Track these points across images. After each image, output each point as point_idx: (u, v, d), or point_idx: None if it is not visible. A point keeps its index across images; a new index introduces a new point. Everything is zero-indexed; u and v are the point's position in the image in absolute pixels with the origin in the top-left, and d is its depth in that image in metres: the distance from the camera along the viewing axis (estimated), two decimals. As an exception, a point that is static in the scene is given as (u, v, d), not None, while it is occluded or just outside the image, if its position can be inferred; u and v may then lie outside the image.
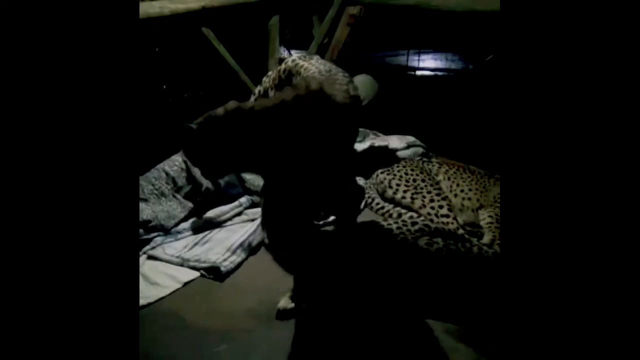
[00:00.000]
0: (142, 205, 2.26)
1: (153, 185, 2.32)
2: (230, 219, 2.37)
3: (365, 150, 2.91)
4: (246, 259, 2.11)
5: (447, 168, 2.68)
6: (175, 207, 2.30)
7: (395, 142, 3.03)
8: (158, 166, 2.43)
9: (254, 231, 2.17)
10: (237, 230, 2.22)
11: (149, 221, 2.20)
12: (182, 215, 2.30)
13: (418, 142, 3.09)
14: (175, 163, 2.41)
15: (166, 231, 2.22)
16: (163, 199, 2.31)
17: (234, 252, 2.07)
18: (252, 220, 2.30)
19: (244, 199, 2.45)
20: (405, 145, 3.03)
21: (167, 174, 2.36)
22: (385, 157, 2.85)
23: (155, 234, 2.19)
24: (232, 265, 2.02)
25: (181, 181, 2.35)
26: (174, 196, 2.32)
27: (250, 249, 2.14)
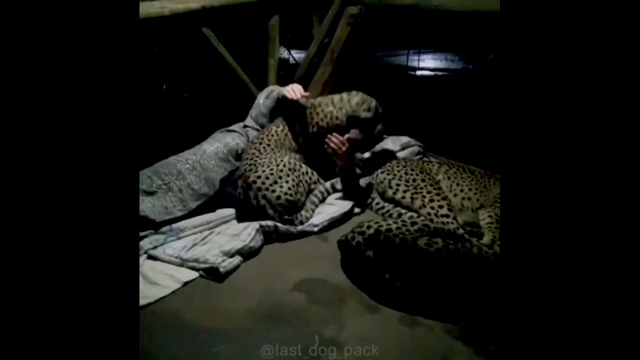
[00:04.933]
0: (146, 198, 2.29)
1: (162, 180, 2.34)
2: (229, 221, 2.37)
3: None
4: (245, 260, 2.10)
5: (447, 168, 2.67)
6: (176, 204, 2.30)
7: (389, 144, 3.02)
8: (169, 160, 2.44)
9: (254, 237, 2.16)
10: (237, 234, 2.21)
11: (151, 220, 2.23)
12: (180, 214, 2.30)
13: (413, 142, 3.07)
14: (188, 161, 2.42)
15: (157, 226, 2.23)
16: (170, 194, 2.32)
17: (232, 256, 2.07)
18: (251, 224, 2.28)
19: None
20: (400, 147, 3.02)
21: (178, 171, 2.37)
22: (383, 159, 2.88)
23: (148, 231, 2.20)
24: (231, 267, 2.02)
25: (191, 179, 2.36)
26: (180, 191, 2.33)
27: (250, 252, 2.13)
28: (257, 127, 2.79)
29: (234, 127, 2.76)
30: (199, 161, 2.43)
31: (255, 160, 2.41)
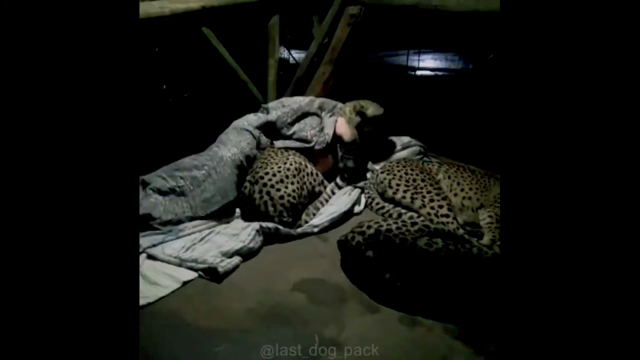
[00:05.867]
0: (159, 197, 2.29)
1: (177, 182, 2.33)
2: (229, 222, 2.37)
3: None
4: (245, 260, 2.10)
5: (447, 168, 2.67)
6: (186, 210, 2.29)
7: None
8: (186, 164, 2.40)
9: (253, 237, 2.16)
10: (237, 234, 2.21)
11: (155, 218, 2.22)
12: (187, 221, 2.29)
13: (414, 142, 3.07)
14: (204, 167, 2.38)
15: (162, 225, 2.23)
16: (182, 197, 2.31)
17: (231, 256, 2.07)
18: (251, 225, 2.26)
19: None
20: (400, 147, 3.03)
21: (193, 177, 2.35)
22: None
23: (149, 232, 2.20)
24: (230, 267, 2.01)
25: (205, 186, 2.34)
26: (193, 198, 2.32)
27: (249, 253, 2.13)
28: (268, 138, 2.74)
29: (246, 125, 2.66)
30: (215, 168, 2.39)
31: (269, 160, 2.44)
